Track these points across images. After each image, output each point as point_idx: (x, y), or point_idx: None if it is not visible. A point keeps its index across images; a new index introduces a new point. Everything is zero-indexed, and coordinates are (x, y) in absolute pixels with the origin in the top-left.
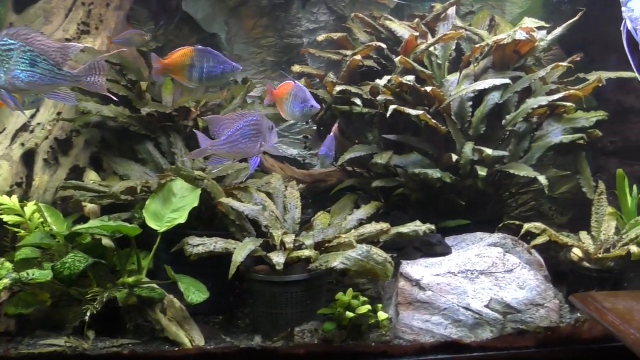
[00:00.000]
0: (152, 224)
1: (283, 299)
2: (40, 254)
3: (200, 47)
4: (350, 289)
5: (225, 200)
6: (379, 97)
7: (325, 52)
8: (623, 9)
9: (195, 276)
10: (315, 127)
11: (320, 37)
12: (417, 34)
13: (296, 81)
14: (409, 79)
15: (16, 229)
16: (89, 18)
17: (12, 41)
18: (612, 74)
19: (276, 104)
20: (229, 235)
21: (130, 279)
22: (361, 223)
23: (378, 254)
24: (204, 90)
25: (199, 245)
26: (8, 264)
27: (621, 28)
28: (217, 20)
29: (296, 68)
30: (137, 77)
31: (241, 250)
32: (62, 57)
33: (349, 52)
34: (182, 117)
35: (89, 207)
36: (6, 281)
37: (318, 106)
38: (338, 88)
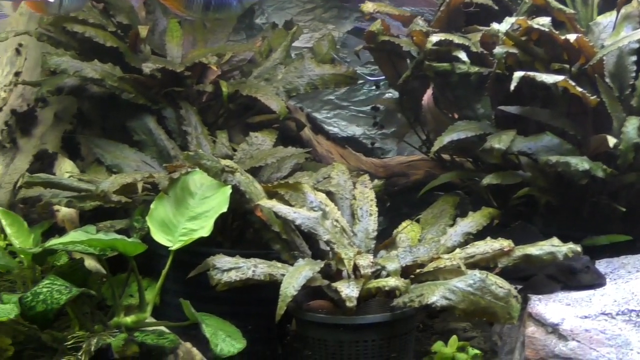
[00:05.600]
0: (160, 237)
1: (354, 351)
2: None
3: None
4: (455, 336)
5: (267, 203)
6: (497, 50)
7: None
8: None
9: (221, 316)
10: (391, 95)
11: None
12: None
13: None
14: (543, 22)
15: None
16: None
17: None
18: None
19: None
20: (269, 256)
21: (129, 319)
22: (467, 239)
23: (498, 284)
24: (226, 38)
25: (231, 269)
26: None
27: None
28: None
29: (368, 7)
30: (131, 20)
31: (293, 278)
32: None
33: None
34: (197, 79)
35: (64, 212)
36: None
37: None
38: (434, 38)
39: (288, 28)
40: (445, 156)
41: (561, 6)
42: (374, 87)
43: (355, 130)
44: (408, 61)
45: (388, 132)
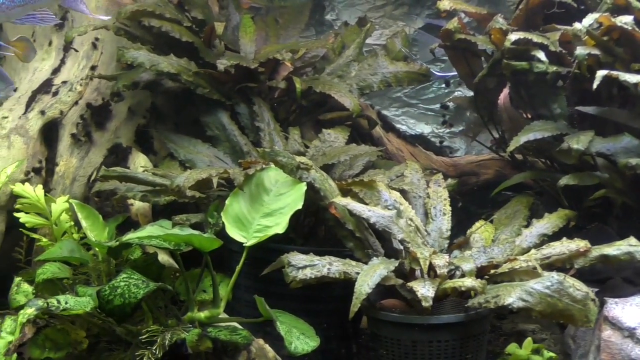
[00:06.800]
0: (235, 233)
1: (427, 351)
2: (72, 274)
3: None
4: (530, 339)
5: (341, 200)
6: (579, 51)
7: None
8: None
9: (293, 313)
10: (460, 93)
11: None
12: None
13: None
14: (627, 20)
15: (35, 235)
16: None
17: None
18: None
19: None
20: (342, 253)
21: (203, 315)
22: (542, 241)
23: (575, 286)
24: (298, 34)
25: (306, 267)
26: (27, 287)
27: None
28: None
29: (445, 4)
30: (205, 15)
31: (368, 276)
32: None
33: None
34: (269, 75)
35: (138, 206)
36: (31, 311)
37: None
38: (513, 37)
39: (361, 25)
40: (517, 156)
41: None
42: (443, 85)
43: (424, 128)
44: (482, 59)
45: (457, 131)
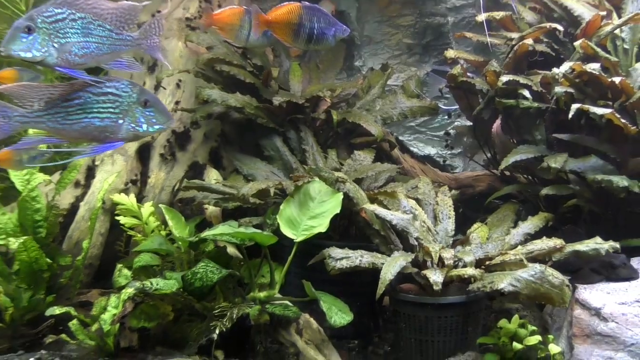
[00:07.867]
0: (287, 231)
1: (436, 325)
2: (160, 262)
3: (308, 4)
4: (517, 315)
5: (370, 206)
6: (557, 90)
7: (482, 35)
8: None
9: (331, 294)
10: (459, 123)
11: (480, 17)
12: (603, 13)
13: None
14: (594, 67)
15: (131, 232)
16: None
17: (59, 10)
18: None
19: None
20: (369, 247)
21: (262, 294)
22: (527, 239)
23: (554, 275)
24: (334, 77)
25: (343, 258)
26: (127, 271)
27: None
28: None
29: (450, 53)
30: (263, 61)
31: (391, 266)
32: (121, 19)
33: (513, 35)
34: (312, 108)
35: (211, 210)
36: (130, 290)
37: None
38: (504, 78)
39: (383, 70)
40: (506, 172)
41: (607, 55)
42: (446, 117)
43: (431, 150)
44: (479, 97)
45: (456, 152)
